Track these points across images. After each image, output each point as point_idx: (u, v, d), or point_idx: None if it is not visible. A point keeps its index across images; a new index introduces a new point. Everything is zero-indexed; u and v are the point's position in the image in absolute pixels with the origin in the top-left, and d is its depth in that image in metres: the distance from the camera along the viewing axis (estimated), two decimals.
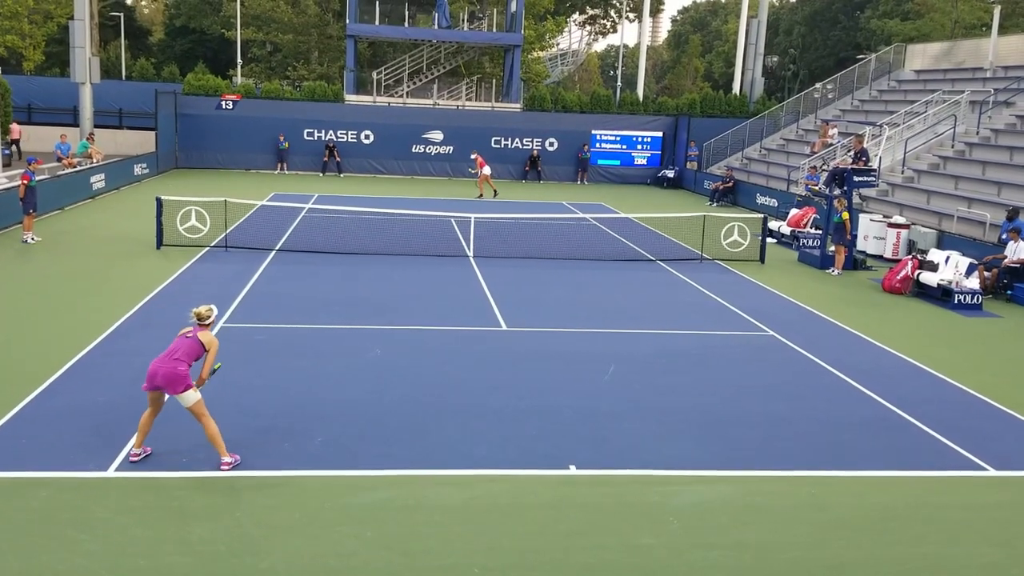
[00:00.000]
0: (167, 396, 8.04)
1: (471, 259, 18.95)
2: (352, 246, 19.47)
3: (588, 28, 65.63)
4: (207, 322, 8.17)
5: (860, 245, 21.65)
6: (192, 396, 7.87)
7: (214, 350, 8.13)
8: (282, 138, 36.55)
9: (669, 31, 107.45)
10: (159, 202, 18.78)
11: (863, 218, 22.24)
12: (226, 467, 8.04)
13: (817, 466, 8.74)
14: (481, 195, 30.60)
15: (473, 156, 32.13)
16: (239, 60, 45.72)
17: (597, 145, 38.94)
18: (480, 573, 6.51)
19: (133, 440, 8.28)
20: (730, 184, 32.37)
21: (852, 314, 15.48)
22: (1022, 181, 22.19)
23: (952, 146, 26.35)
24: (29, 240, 18.70)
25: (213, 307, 8.32)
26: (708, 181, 34.58)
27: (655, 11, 67.59)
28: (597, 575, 6.59)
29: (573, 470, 8.39)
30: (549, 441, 9.04)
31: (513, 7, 41.09)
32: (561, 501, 7.77)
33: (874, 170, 20.91)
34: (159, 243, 18.59)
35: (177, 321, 12.71)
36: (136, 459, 8.10)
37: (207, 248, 18.70)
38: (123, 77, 50.50)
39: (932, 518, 7.75)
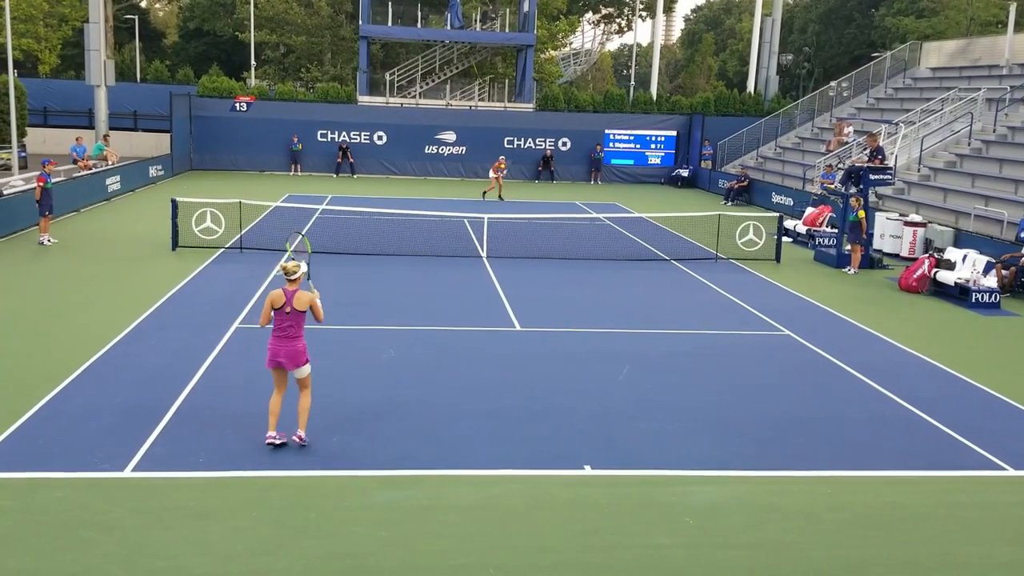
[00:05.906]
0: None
1: (484, 259, 18.95)
2: (366, 247, 19.50)
3: (601, 27, 65.49)
4: (294, 277, 8.34)
5: (876, 244, 21.47)
6: (307, 369, 8.50)
7: (318, 301, 8.52)
8: (296, 140, 36.66)
9: (683, 30, 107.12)
10: (174, 204, 18.87)
11: (879, 216, 22.09)
12: (298, 440, 8.43)
13: (833, 466, 8.69)
14: (500, 196, 30.33)
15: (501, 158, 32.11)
16: (253, 62, 45.88)
17: (610, 145, 38.84)
18: (495, 573, 6.50)
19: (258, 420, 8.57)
20: (745, 183, 32.23)
21: (868, 313, 15.38)
22: None
23: (968, 144, 26.15)
24: (45, 242, 18.83)
25: (301, 263, 8.45)
26: (723, 180, 34.44)
27: (668, 9, 67.37)
28: (613, 575, 6.57)
29: (588, 470, 8.37)
30: (564, 441, 9.03)
31: (526, 7, 41.04)
32: (576, 501, 7.75)
33: (890, 168, 20.77)
34: (174, 244, 18.68)
35: (192, 323, 12.82)
36: (277, 441, 8.39)
37: (222, 249, 18.78)
38: (138, 80, 50.79)
39: (950, 517, 7.69)
